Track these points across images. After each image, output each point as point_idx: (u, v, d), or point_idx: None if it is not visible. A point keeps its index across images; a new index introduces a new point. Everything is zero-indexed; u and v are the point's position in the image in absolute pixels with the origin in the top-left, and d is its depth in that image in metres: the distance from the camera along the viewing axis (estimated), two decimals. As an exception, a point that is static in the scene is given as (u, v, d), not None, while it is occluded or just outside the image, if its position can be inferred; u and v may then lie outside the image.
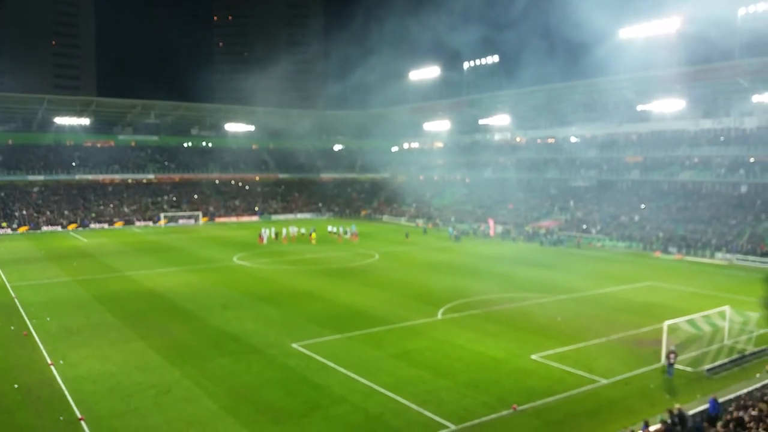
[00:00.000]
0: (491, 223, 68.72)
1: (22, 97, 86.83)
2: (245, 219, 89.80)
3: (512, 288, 38.04)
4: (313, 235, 63.50)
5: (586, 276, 42.72)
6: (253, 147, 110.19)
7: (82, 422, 18.26)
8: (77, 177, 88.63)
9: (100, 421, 18.33)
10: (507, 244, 61.94)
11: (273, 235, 64.51)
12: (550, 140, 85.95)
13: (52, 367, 23.13)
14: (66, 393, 20.55)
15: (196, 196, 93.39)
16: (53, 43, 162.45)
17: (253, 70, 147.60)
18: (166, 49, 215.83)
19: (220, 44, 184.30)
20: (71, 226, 77.43)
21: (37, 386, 21.28)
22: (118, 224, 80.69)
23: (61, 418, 18.66)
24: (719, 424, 15.69)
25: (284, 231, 65.39)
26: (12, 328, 29.04)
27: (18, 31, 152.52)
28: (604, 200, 69.41)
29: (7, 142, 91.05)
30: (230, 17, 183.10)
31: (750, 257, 48.91)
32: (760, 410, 15.76)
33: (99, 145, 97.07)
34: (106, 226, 79.90)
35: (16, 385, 21.34)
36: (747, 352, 24.23)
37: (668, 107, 68.08)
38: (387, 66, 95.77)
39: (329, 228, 70.30)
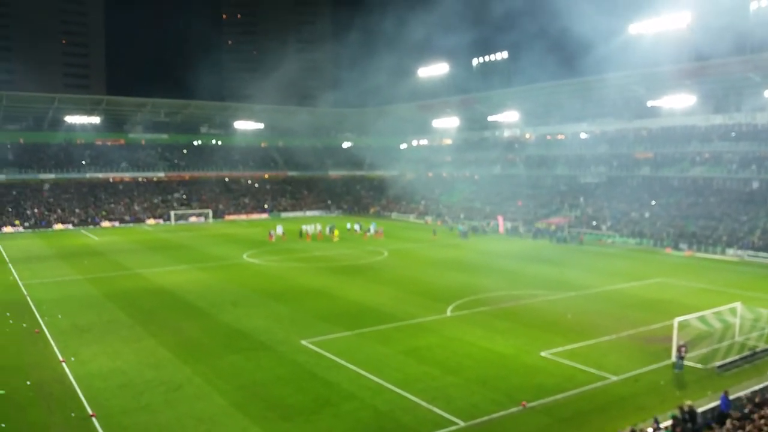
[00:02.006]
0: (500, 220, 68.57)
1: (34, 96, 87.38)
2: (255, 216, 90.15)
3: (521, 285, 37.95)
4: (336, 232, 63.79)
5: (595, 273, 42.55)
6: (262, 145, 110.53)
7: (94, 419, 18.41)
8: (88, 175, 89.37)
9: (111, 418, 18.47)
10: (516, 241, 61.74)
11: (298, 233, 64.55)
12: (560, 136, 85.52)
13: (64, 364, 23.33)
14: (77, 390, 20.72)
15: (205, 195, 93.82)
16: (63, 42, 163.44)
17: (261, 68, 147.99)
18: (175, 47, 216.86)
19: (229, 42, 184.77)
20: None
21: (49, 383, 21.47)
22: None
23: (73, 414, 18.83)
24: (729, 420, 15.59)
25: (309, 228, 65.39)
26: (24, 325, 29.32)
27: (28, 30, 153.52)
28: (614, 196, 69.00)
29: (19, 141, 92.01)
30: (239, 15, 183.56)
31: (761, 254, 48.49)
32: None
33: (109, 143, 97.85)
34: (117, 224, 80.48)
35: (28, 382, 21.55)
36: (758, 349, 24.05)
37: (678, 103, 67.45)
38: (395, 63, 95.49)
39: (348, 225, 70.84)
